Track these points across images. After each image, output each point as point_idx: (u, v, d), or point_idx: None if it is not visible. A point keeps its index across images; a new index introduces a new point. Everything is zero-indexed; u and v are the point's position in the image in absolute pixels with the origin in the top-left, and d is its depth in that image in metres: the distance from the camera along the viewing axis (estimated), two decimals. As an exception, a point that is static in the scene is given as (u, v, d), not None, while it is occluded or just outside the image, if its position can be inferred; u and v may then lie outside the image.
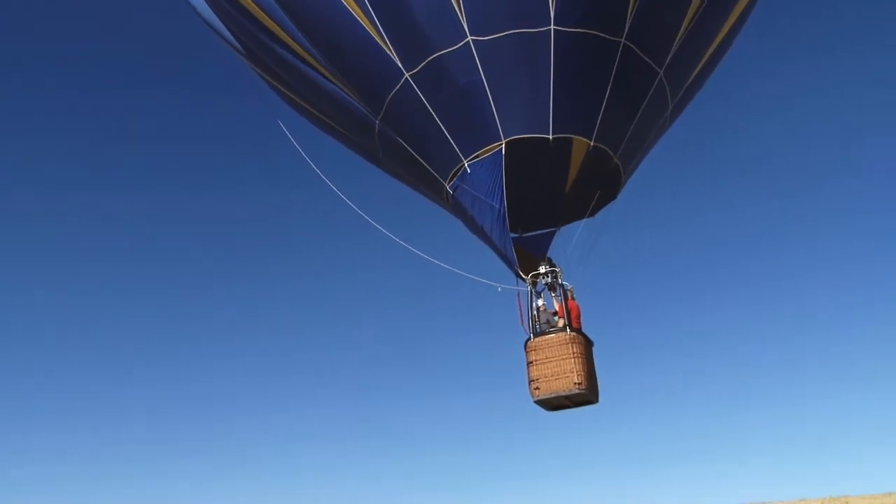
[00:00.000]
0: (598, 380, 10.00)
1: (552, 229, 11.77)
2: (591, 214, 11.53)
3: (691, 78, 11.28)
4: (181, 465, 35.26)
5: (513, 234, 10.58)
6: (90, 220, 40.60)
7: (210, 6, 12.12)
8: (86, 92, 40.90)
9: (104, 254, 40.52)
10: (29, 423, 35.55)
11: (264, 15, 10.64)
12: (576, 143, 10.12)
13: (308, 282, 42.63)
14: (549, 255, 10.90)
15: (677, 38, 10.30)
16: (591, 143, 9.98)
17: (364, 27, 9.76)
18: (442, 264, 10.89)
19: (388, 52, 9.85)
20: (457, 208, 10.64)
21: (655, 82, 10.34)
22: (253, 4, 10.77)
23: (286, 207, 42.98)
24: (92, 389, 37.36)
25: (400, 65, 9.90)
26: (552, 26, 9.40)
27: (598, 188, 11.12)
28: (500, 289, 10.43)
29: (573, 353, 9.52)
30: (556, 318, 9.97)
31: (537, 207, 11.41)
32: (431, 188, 10.99)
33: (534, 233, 11.76)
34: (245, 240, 42.84)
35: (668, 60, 10.32)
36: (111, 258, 40.52)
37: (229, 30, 11.99)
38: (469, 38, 9.52)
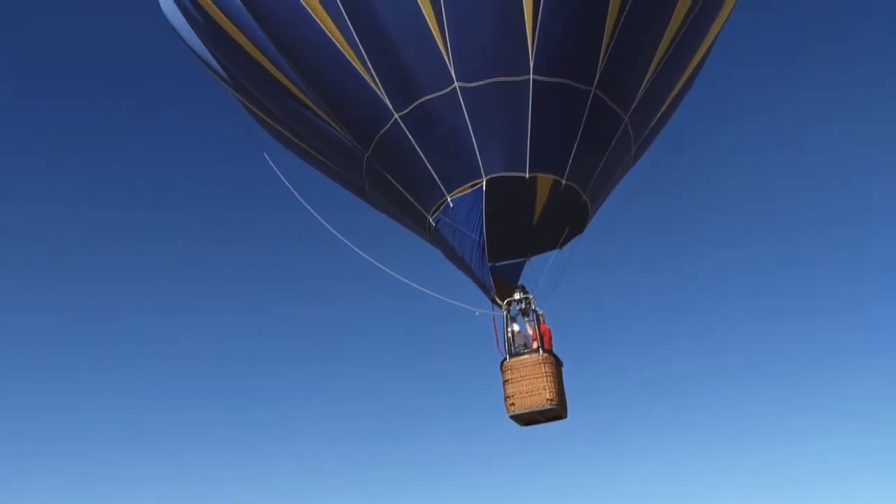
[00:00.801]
0: (567, 397, 10.92)
1: (522, 259, 12.71)
2: (561, 246, 12.53)
3: (654, 121, 12.41)
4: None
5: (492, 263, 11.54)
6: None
7: (201, 38, 12.86)
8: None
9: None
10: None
11: (256, 50, 11.42)
12: (540, 180, 11.13)
13: (293, 305, 43.05)
14: (521, 283, 11.80)
15: (642, 87, 11.39)
16: (563, 182, 10.97)
17: (356, 68, 10.62)
18: (425, 290, 11.68)
19: (378, 92, 10.72)
20: (438, 239, 11.51)
21: (621, 127, 11.39)
22: (245, 39, 11.52)
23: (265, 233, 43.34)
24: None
25: (390, 106, 10.78)
26: (531, 76, 10.38)
27: (567, 222, 12.12)
28: (477, 313, 11.34)
29: (545, 373, 10.44)
30: (530, 340, 10.90)
31: (509, 239, 12.33)
32: (415, 220, 11.84)
33: (506, 262, 12.66)
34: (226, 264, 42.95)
35: (632, 107, 11.39)
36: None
37: (219, 62, 12.71)
38: (456, 83, 10.44)
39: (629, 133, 11.64)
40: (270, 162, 13.03)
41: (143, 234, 42.24)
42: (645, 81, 11.40)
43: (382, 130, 10.99)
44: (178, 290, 40.93)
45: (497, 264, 12.63)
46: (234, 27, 11.36)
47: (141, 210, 41.76)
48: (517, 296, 11.23)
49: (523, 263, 12.66)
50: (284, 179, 12.74)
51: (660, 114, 12.53)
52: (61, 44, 42.32)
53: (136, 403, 36.50)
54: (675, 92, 12.61)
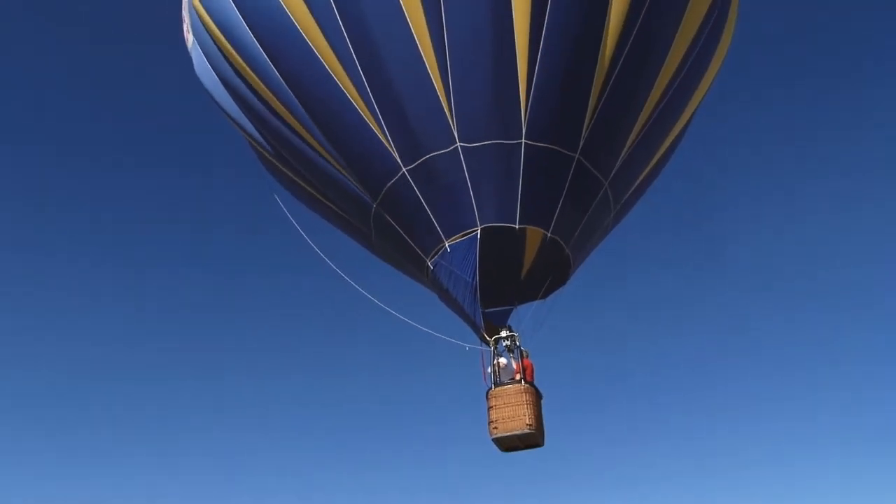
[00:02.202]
0: (546, 426, 12.13)
1: (510, 307, 14.02)
2: (544, 297, 13.89)
3: (633, 187, 13.93)
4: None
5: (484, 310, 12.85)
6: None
7: (225, 88, 14.35)
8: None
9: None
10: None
11: (279, 103, 12.90)
12: (530, 233, 12.56)
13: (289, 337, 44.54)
14: (508, 324, 13.12)
15: (621, 155, 12.91)
16: (549, 235, 12.40)
17: (370, 126, 12.09)
18: (423, 328, 13.00)
19: (389, 148, 12.20)
20: (435, 281, 12.84)
21: (601, 191, 12.88)
22: (268, 93, 12.97)
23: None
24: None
25: (399, 160, 12.24)
26: (523, 140, 11.88)
27: (550, 274, 13.51)
28: (468, 348, 12.63)
29: (526, 401, 11.68)
30: (514, 373, 12.17)
31: (498, 288, 13.65)
32: (415, 264, 13.19)
33: (495, 309, 13.97)
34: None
35: (613, 173, 12.92)
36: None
37: (241, 110, 14.24)
38: (458, 144, 11.92)
39: (609, 197, 13.13)
40: (280, 202, 14.51)
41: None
42: (625, 150, 12.92)
43: (391, 182, 12.44)
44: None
45: (487, 310, 13.99)
46: (256, 79, 12.90)
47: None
48: (504, 333, 12.53)
49: (511, 310, 13.96)
50: (293, 220, 14.22)
51: (639, 180, 14.06)
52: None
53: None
54: (654, 160, 14.16)
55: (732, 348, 41.09)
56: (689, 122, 15.04)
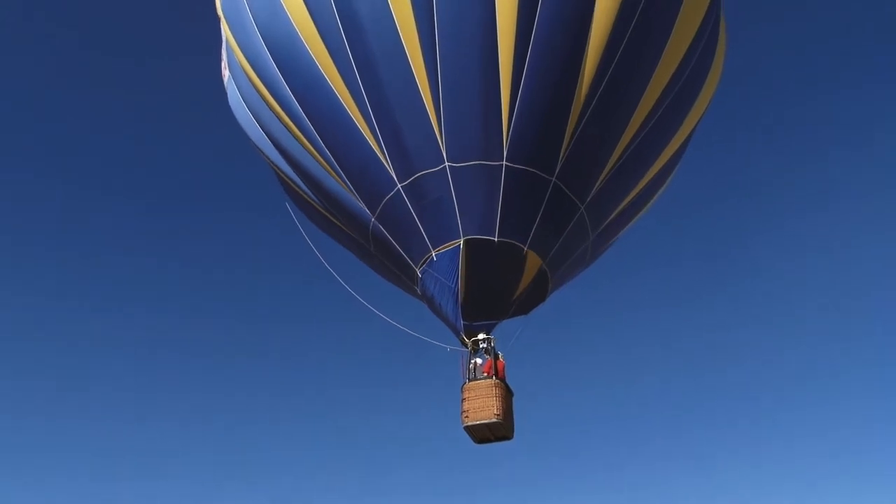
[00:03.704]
0: (515, 421, 13.27)
1: (495, 321, 15.26)
2: (526, 312, 15.15)
3: (612, 215, 15.07)
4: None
5: (464, 322, 14.15)
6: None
7: (254, 119, 16.12)
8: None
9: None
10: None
11: (297, 129, 14.55)
12: (530, 259, 13.85)
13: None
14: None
15: (599, 182, 14.10)
16: (525, 249, 13.73)
17: (372, 147, 13.64)
18: (409, 331, 14.37)
19: (387, 167, 13.71)
20: (423, 288, 14.21)
21: (577, 214, 14.09)
22: (289, 121, 14.63)
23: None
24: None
25: (395, 178, 13.75)
26: (504, 162, 13.22)
27: (533, 290, 14.78)
28: (448, 349, 13.90)
29: (495, 394, 12.87)
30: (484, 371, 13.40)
31: (490, 306, 14.92)
32: (406, 273, 14.58)
33: (482, 322, 15.21)
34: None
35: (588, 199, 14.14)
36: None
37: (267, 138, 15.94)
38: (446, 163, 13.33)
39: (585, 221, 14.36)
40: (293, 213, 16.14)
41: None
42: (602, 177, 14.12)
43: (387, 197, 13.93)
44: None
45: (475, 323, 15.24)
46: (279, 109, 14.65)
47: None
48: (481, 336, 13.80)
49: (495, 323, 15.20)
50: (305, 234, 15.83)
51: (620, 207, 15.20)
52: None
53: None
54: (636, 190, 15.29)
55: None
56: (679, 152, 16.22)
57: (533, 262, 14.04)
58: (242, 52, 15.22)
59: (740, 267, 44.67)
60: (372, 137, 13.69)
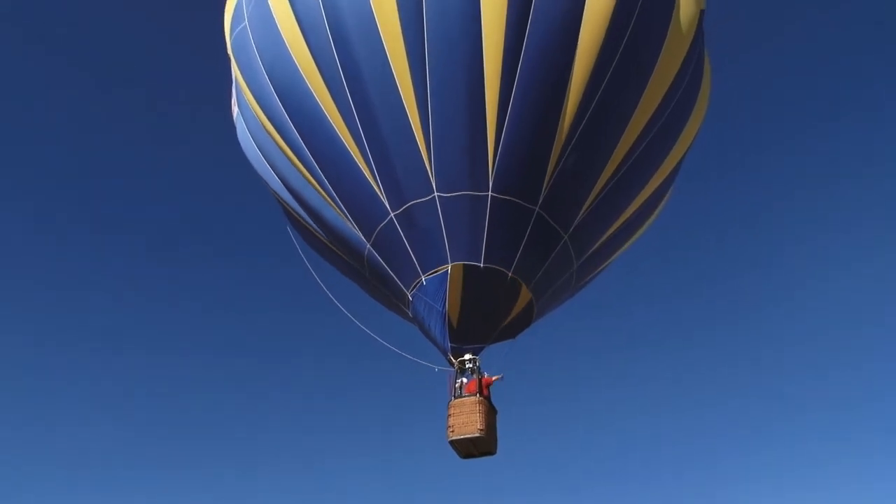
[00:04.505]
0: (499, 437, 14.01)
1: (483, 346, 16.05)
2: (514, 337, 15.97)
3: (596, 245, 15.83)
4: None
5: (453, 345, 14.96)
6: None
7: (260, 152, 17.12)
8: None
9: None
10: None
11: (300, 163, 15.50)
12: (524, 292, 14.73)
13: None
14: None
15: (580, 213, 14.87)
16: (509, 274, 14.56)
17: (366, 178, 14.52)
18: (400, 352, 15.18)
19: (381, 197, 14.60)
20: (414, 312, 15.04)
21: (560, 243, 14.89)
22: (293, 155, 15.56)
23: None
24: None
25: (388, 207, 14.62)
26: (490, 192, 14.04)
27: (520, 316, 15.61)
28: (436, 370, 14.69)
29: (479, 411, 13.62)
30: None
31: (480, 332, 15.75)
32: (398, 297, 15.42)
33: (470, 346, 16.01)
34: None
35: (572, 228, 14.93)
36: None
37: (273, 171, 16.92)
38: (435, 193, 14.16)
39: (569, 249, 15.18)
40: (294, 240, 17.08)
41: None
42: (585, 208, 14.89)
43: (381, 225, 14.80)
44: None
45: (464, 347, 16.04)
46: (283, 143, 15.65)
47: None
48: (467, 356, 14.59)
49: (483, 347, 16.00)
50: (304, 257, 16.74)
51: (603, 239, 15.96)
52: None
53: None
54: (619, 222, 16.06)
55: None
56: (665, 184, 17.03)
57: (525, 293, 14.86)
58: (250, 90, 16.26)
59: (727, 300, 45.82)
60: (367, 170, 14.61)
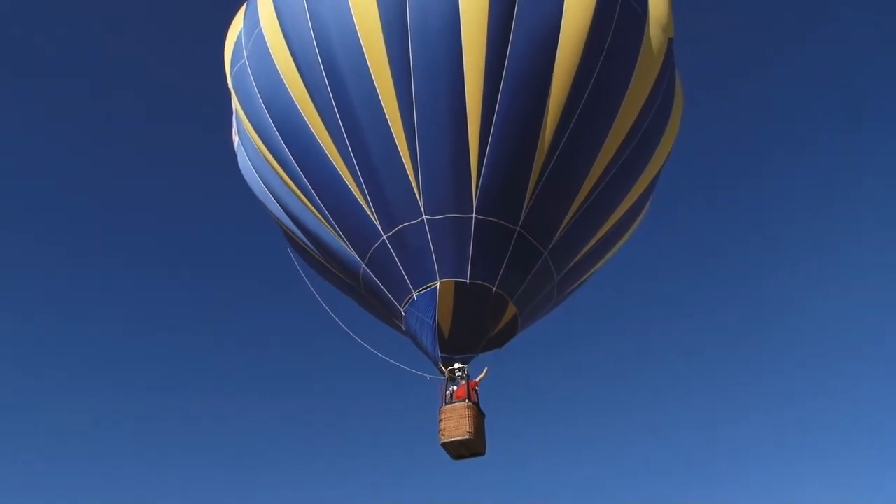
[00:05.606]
0: (487, 438, 15.15)
1: (472, 355, 17.18)
2: (500, 346, 17.12)
3: (575, 259, 16.93)
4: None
5: (443, 355, 16.09)
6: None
7: (260, 179, 18.28)
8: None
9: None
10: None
11: (296, 188, 16.63)
12: (509, 305, 15.89)
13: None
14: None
15: (560, 230, 15.94)
16: (493, 289, 15.72)
17: (360, 202, 15.62)
18: (395, 363, 16.31)
19: (373, 219, 15.70)
20: (406, 325, 16.17)
21: (541, 259, 16.02)
22: (289, 180, 16.70)
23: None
24: None
25: (380, 229, 15.72)
26: (474, 214, 15.10)
27: (506, 327, 16.77)
28: (428, 378, 15.83)
29: (468, 415, 14.73)
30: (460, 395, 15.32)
31: (468, 342, 16.87)
32: (392, 312, 16.56)
33: (461, 356, 17.14)
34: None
35: (551, 245, 16.03)
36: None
37: (272, 197, 18.03)
38: (424, 216, 15.22)
39: (549, 264, 16.31)
40: (295, 261, 18.24)
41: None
42: (563, 226, 15.96)
43: (374, 246, 15.92)
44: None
45: (454, 356, 17.14)
46: (280, 170, 16.79)
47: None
48: (457, 365, 15.72)
49: (472, 357, 17.13)
50: (304, 275, 17.91)
51: (582, 254, 17.05)
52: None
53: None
54: (597, 237, 17.15)
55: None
56: (640, 201, 18.17)
57: (510, 306, 16.00)
58: (250, 121, 17.43)
59: (710, 320, 48.36)
60: (360, 195, 15.76)
